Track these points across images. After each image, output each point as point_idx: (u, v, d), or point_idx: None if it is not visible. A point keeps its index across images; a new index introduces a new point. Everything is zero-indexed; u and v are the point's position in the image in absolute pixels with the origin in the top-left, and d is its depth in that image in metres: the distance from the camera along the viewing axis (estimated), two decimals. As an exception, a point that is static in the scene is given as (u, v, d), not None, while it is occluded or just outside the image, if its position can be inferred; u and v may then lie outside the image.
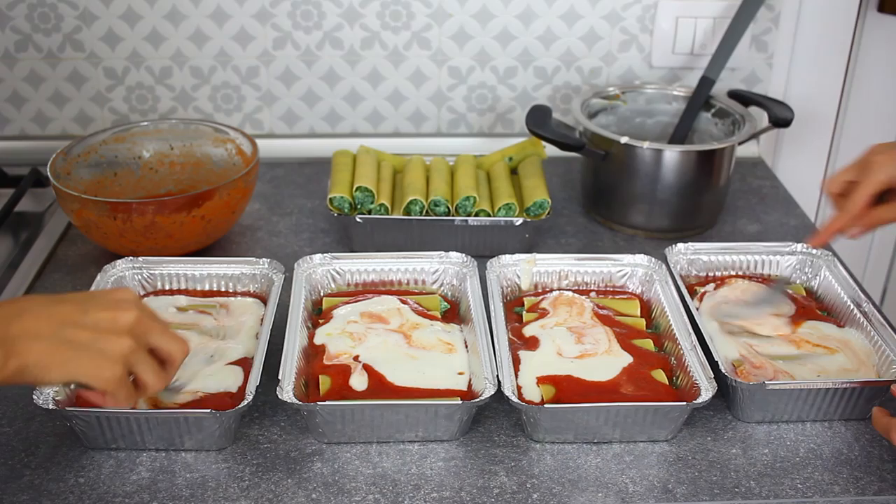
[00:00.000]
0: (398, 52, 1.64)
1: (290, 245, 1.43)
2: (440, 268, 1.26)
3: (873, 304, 1.18)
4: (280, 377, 1.03)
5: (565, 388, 1.06)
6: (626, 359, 1.11)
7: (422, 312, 1.19)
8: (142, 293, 1.23)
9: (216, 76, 1.65)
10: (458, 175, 1.43)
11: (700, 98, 1.53)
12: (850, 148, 1.76)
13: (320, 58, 1.64)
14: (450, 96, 1.69)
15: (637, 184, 1.43)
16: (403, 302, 1.20)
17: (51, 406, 1.00)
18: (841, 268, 1.26)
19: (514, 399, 1.01)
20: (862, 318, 1.17)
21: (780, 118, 1.47)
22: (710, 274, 1.29)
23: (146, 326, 0.92)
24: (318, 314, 1.20)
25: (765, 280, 1.28)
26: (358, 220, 1.36)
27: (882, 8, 1.66)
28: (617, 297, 1.25)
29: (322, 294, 1.24)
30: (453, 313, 1.21)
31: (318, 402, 1.01)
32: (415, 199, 1.37)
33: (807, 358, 1.13)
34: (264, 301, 1.22)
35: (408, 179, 1.41)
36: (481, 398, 1.02)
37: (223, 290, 1.24)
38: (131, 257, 1.24)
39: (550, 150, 1.52)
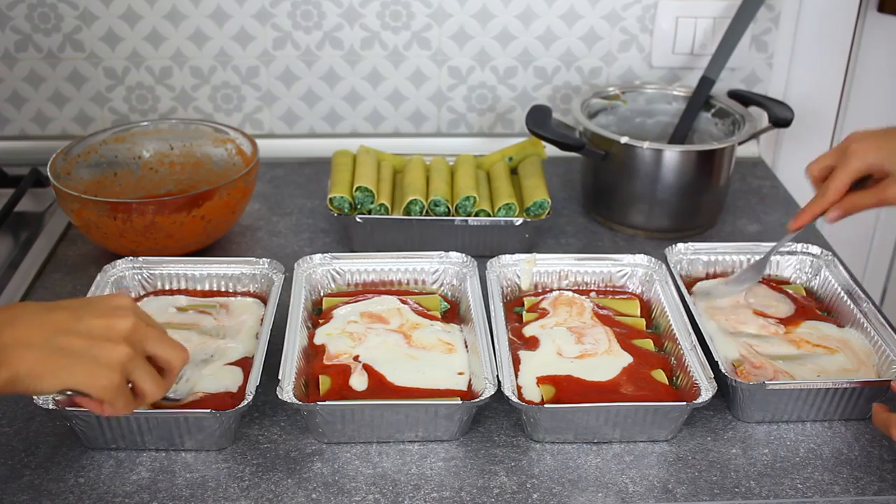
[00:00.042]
0: (398, 52, 1.64)
1: (290, 245, 1.43)
2: (440, 268, 1.26)
3: (873, 304, 1.18)
4: (280, 377, 1.03)
5: (565, 388, 1.06)
6: (626, 359, 1.11)
7: (422, 312, 1.19)
8: (142, 293, 1.23)
9: (216, 76, 1.65)
10: (458, 175, 1.43)
11: (700, 98, 1.53)
12: (850, 148, 1.76)
13: (320, 58, 1.64)
14: (450, 96, 1.69)
15: (637, 184, 1.43)
16: (403, 302, 1.20)
17: (51, 406, 1.00)
18: (841, 268, 1.26)
19: (514, 399, 1.01)
20: (862, 318, 1.17)
21: (780, 118, 1.47)
22: (710, 274, 1.29)
23: (143, 333, 0.90)
24: (318, 314, 1.20)
25: (765, 280, 1.28)
26: (358, 220, 1.36)
27: (882, 8, 1.66)
28: (617, 297, 1.25)
29: (322, 294, 1.24)
30: (453, 313, 1.21)
31: (318, 402, 1.01)
32: (415, 199, 1.37)
33: (807, 358, 1.13)
34: (264, 301, 1.22)
35: (408, 179, 1.41)
36: (481, 398, 1.02)
37: (223, 290, 1.24)
38: (131, 257, 1.24)
39: (550, 150, 1.52)
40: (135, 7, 1.59)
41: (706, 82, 1.53)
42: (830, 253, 1.29)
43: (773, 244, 1.27)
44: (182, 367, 0.93)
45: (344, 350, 1.11)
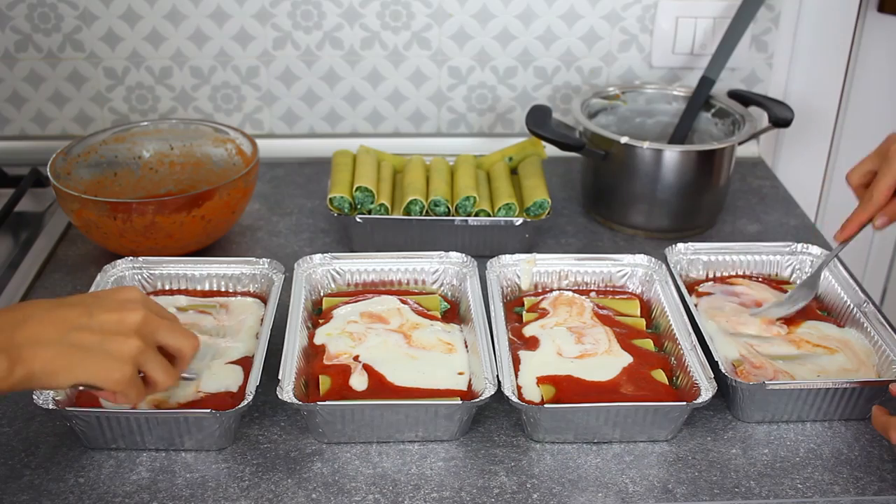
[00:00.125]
0: (398, 52, 1.64)
1: (290, 245, 1.43)
2: (440, 268, 1.26)
3: (873, 304, 1.18)
4: (280, 377, 1.03)
5: (565, 388, 1.06)
6: (626, 359, 1.10)
7: (422, 312, 1.19)
8: (142, 293, 1.23)
9: (216, 76, 1.65)
10: (458, 175, 1.43)
11: (700, 98, 1.53)
12: (851, 148, 1.76)
13: (320, 58, 1.64)
14: (450, 96, 1.69)
15: (637, 184, 1.43)
16: (403, 302, 1.20)
17: (51, 406, 1.00)
18: (841, 268, 1.26)
19: (514, 399, 1.01)
20: (862, 318, 1.17)
21: (780, 118, 1.47)
22: (710, 274, 1.29)
23: (154, 325, 0.92)
24: (318, 314, 1.20)
25: (765, 280, 1.28)
26: (358, 220, 1.36)
27: (882, 8, 1.66)
28: (617, 297, 1.25)
29: (322, 294, 1.24)
30: (453, 313, 1.21)
31: (318, 402, 1.01)
32: (415, 199, 1.37)
33: (807, 358, 1.13)
34: (264, 301, 1.22)
35: (408, 179, 1.42)
36: (481, 398, 1.02)
37: (223, 290, 1.24)
38: (131, 257, 1.24)
39: (550, 150, 1.52)
40: (135, 7, 1.59)
41: (706, 82, 1.53)
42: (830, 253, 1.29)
43: (821, 259, 1.25)
44: (193, 354, 0.97)
45: (344, 350, 1.11)
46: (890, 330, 1.14)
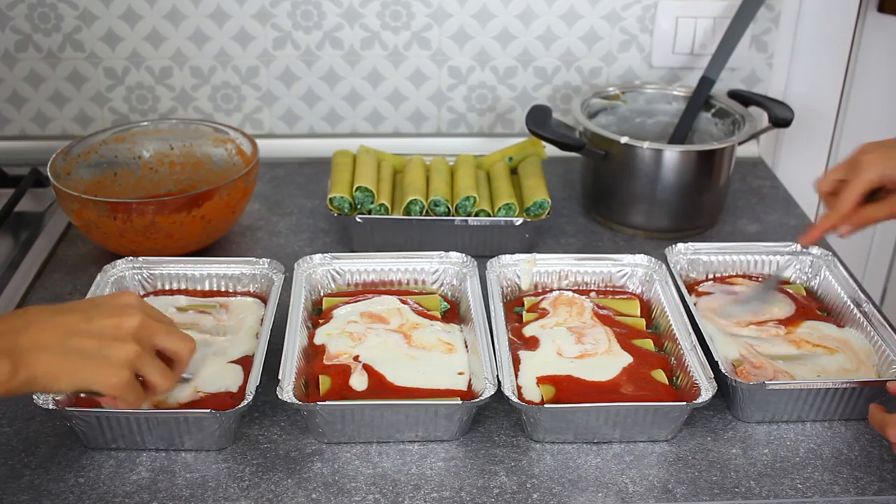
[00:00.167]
0: (398, 52, 1.64)
1: (290, 245, 1.43)
2: (440, 268, 1.26)
3: (873, 304, 1.18)
4: (280, 377, 1.03)
5: (565, 388, 1.06)
6: (626, 359, 1.10)
7: (422, 312, 1.19)
8: (142, 293, 1.23)
9: (216, 76, 1.65)
10: (458, 175, 1.43)
11: (700, 98, 1.53)
12: (850, 148, 1.74)
13: (320, 58, 1.64)
14: (450, 96, 1.69)
15: (637, 184, 1.43)
16: (403, 302, 1.20)
17: (51, 406, 1.00)
18: (841, 268, 1.26)
19: (514, 399, 1.01)
20: (862, 318, 1.17)
21: (780, 118, 1.47)
22: (711, 274, 1.29)
23: (151, 329, 0.94)
24: (318, 314, 1.20)
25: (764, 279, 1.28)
26: (358, 220, 1.36)
27: (882, 8, 1.66)
28: (617, 297, 1.25)
29: (322, 294, 1.24)
30: (453, 313, 1.21)
31: (318, 402, 1.01)
32: (415, 199, 1.37)
33: (807, 358, 1.13)
34: (264, 301, 1.22)
35: (408, 179, 1.41)
36: (481, 398, 1.02)
37: (223, 290, 1.24)
38: (131, 257, 1.24)
39: (550, 150, 1.52)
40: (135, 7, 1.59)
41: (706, 82, 1.53)
42: (830, 253, 1.29)
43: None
44: (190, 357, 0.98)
45: (344, 350, 1.11)
46: (890, 330, 1.14)
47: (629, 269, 1.26)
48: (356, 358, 1.10)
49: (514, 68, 1.67)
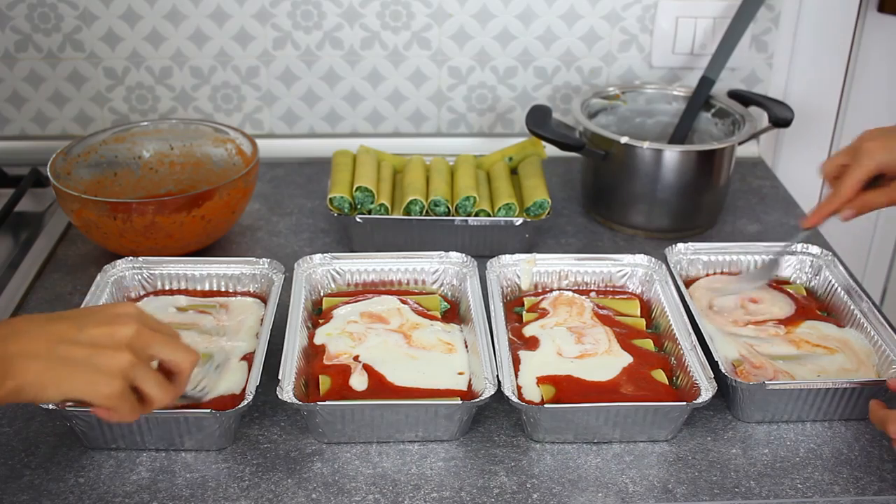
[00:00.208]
0: (398, 52, 1.64)
1: (290, 245, 1.43)
2: (440, 268, 1.26)
3: (873, 304, 1.18)
4: (280, 377, 1.03)
5: (565, 388, 1.06)
6: (626, 359, 1.11)
7: (422, 312, 1.19)
8: (142, 293, 1.23)
9: (216, 76, 1.65)
10: (458, 175, 1.43)
11: (700, 98, 1.53)
12: (850, 148, 1.76)
13: (320, 58, 1.64)
14: (450, 96, 1.69)
15: (637, 184, 1.43)
16: (403, 302, 1.20)
17: (51, 406, 1.00)
18: (841, 268, 1.26)
19: (514, 399, 1.01)
20: (862, 318, 1.17)
21: (780, 118, 1.47)
22: (710, 274, 1.29)
23: (147, 339, 0.89)
24: (318, 314, 1.20)
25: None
26: (358, 220, 1.36)
27: (882, 8, 1.66)
28: (617, 297, 1.25)
29: (322, 294, 1.24)
30: (453, 313, 1.21)
31: (318, 402, 1.01)
32: (415, 199, 1.37)
33: (807, 358, 1.13)
34: (264, 301, 1.22)
35: (408, 179, 1.42)
36: (481, 398, 1.02)
37: (223, 290, 1.24)
38: (131, 257, 1.24)
39: (550, 150, 1.52)
40: (135, 7, 1.59)
41: (706, 82, 1.53)
42: (830, 253, 1.29)
43: (784, 243, 1.27)
44: (192, 369, 0.93)
45: (344, 350, 1.11)
46: (890, 330, 1.14)
47: (629, 269, 1.26)
48: (356, 358, 1.10)
49: (514, 68, 1.67)
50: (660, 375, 1.09)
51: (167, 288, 1.24)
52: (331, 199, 1.38)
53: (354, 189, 1.38)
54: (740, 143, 1.44)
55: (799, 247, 1.30)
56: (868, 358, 1.13)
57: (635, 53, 1.66)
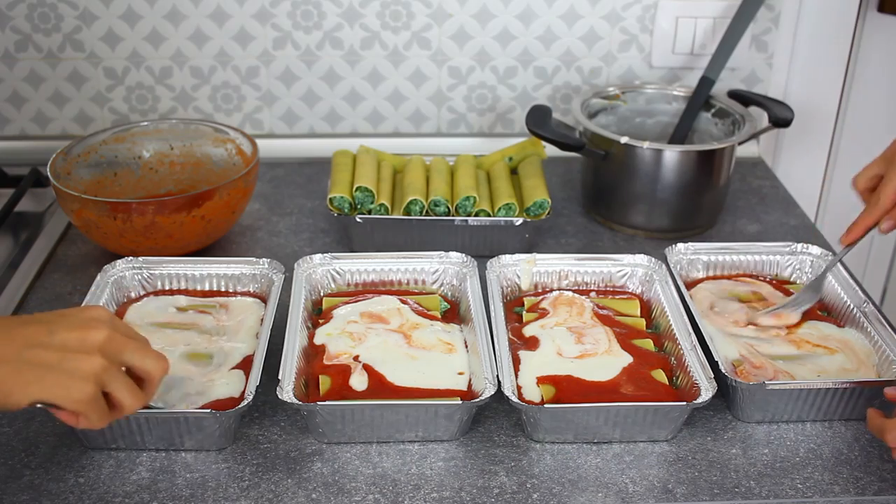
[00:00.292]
0: (398, 52, 1.64)
1: (290, 245, 1.43)
2: (440, 268, 1.26)
3: (873, 304, 1.18)
4: (280, 377, 1.03)
5: (565, 388, 1.06)
6: (626, 359, 1.10)
7: (422, 312, 1.19)
8: (142, 293, 1.23)
9: (216, 76, 1.65)
10: (458, 175, 1.43)
11: (700, 98, 1.53)
12: (851, 148, 1.76)
13: (320, 58, 1.64)
14: (450, 96, 1.69)
15: (637, 184, 1.43)
16: (403, 302, 1.20)
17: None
18: (841, 268, 1.26)
19: (514, 399, 1.01)
20: (862, 318, 1.17)
21: (780, 118, 1.47)
22: (710, 274, 1.29)
23: (119, 344, 0.88)
24: (318, 314, 1.20)
25: (767, 280, 1.28)
26: (358, 220, 1.36)
27: (882, 8, 1.66)
28: (617, 297, 1.25)
29: (322, 294, 1.24)
30: (453, 313, 1.21)
31: (318, 402, 1.01)
32: (415, 199, 1.37)
33: (807, 358, 1.13)
34: (264, 301, 1.22)
35: (408, 179, 1.42)
36: (481, 398, 1.02)
37: (223, 290, 1.24)
38: (131, 257, 1.24)
39: (550, 150, 1.52)
40: (135, 7, 1.59)
41: (706, 82, 1.53)
42: (830, 253, 1.29)
43: (826, 262, 1.26)
44: (162, 377, 0.92)
45: (344, 350, 1.11)
46: (890, 330, 1.14)
47: (629, 269, 1.26)
48: (356, 358, 1.10)
49: (514, 68, 1.67)
50: (660, 375, 1.09)
51: (167, 288, 1.24)
52: (331, 199, 1.38)
53: (354, 189, 1.38)
54: (740, 143, 1.44)
55: (799, 247, 1.30)
56: (868, 358, 1.13)
57: (635, 53, 1.66)
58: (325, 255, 1.25)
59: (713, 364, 1.07)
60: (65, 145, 1.39)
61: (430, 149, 1.64)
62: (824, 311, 1.24)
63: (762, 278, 1.28)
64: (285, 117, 1.69)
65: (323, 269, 1.25)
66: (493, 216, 1.37)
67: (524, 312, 1.21)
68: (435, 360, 1.11)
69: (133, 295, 1.23)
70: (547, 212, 1.38)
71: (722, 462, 1.04)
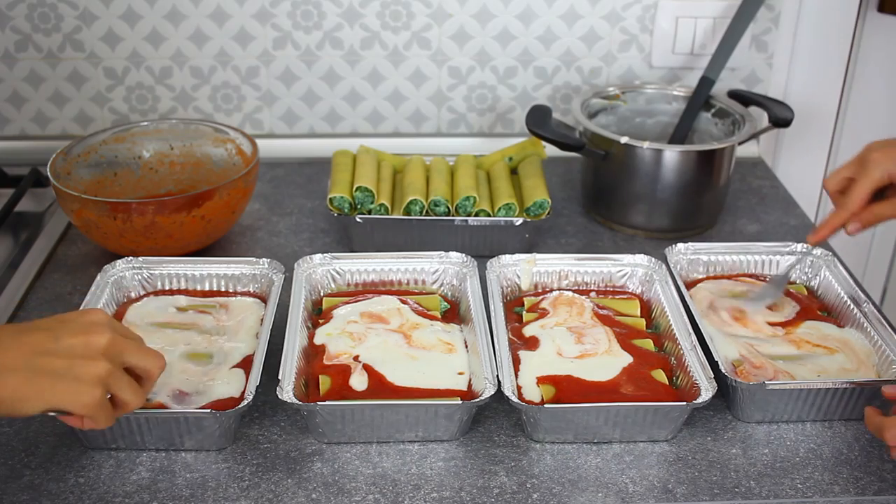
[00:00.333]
0: (398, 52, 1.64)
1: (290, 245, 1.43)
2: (440, 268, 1.26)
3: (873, 304, 1.18)
4: (280, 377, 1.03)
5: (565, 388, 1.06)
6: (626, 359, 1.10)
7: (422, 312, 1.19)
8: (142, 293, 1.23)
9: (216, 76, 1.65)
10: (458, 175, 1.43)
11: (700, 98, 1.53)
12: (851, 148, 1.76)
13: (320, 58, 1.64)
14: (450, 96, 1.69)
15: (637, 184, 1.43)
16: (403, 302, 1.20)
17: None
18: (841, 268, 1.26)
19: (514, 399, 1.01)
20: (862, 318, 1.17)
21: (780, 118, 1.47)
22: (710, 274, 1.29)
23: (120, 346, 0.91)
24: (318, 314, 1.20)
25: (767, 281, 1.28)
26: (358, 220, 1.36)
27: (882, 8, 1.66)
28: (617, 297, 1.25)
29: (322, 294, 1.24)
30: (453, 313, 1.21)
31: (318, 402, 1.01)
32: (415, 199, 1.37)
33: (807, 358, 1.13)
34: (264, 301, 1.22)
35: (408, 179, 1.42)
36: (481, 398, 1.02)
37: (223, 290, 1.24)
38: (131, 257, 1.24)
39: (550, 150, 1.52)
40: (135, 7, 1.59)
41: (706, 82, 1.53)
42: (830, 253, 1.29)
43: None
44: (160, 373, 0.95)
45: (344, 350, 1.11)
46: (890, 330, 1.14)
47: (629, 269, 1.26)
48: (356, 358, 1.10)
49: (514, 68, 1.67)
50: (660, 375, 1.09)
51: (167, 288, 1.24)
52: (331, 199, 1.38)
53: (354, 189, 1.38)
54: (740, 143, 1.44)
55: (800, 247, 1.30)
56: (868, 358, 1.13)
57: (635, 53, 1.66)
58: (325, 255, 1.25)
59: (713, 364, 1.07)
60: (65, 145, 1.39)
61: (430, 149, 1.64)
62: (824, 311, 1.24)
63: (762, 278, 1.28)
64: (285, 117, 1.69)
65: (323, 269, 1.25)
66: (493, 216, 1.37)
67: (524, 312, 1.21)
68: (435, 360, 1.11)
69: (133, 295, 1.23)
70: (547, 212, 1.38)
71: (722, 462, 1.04)
